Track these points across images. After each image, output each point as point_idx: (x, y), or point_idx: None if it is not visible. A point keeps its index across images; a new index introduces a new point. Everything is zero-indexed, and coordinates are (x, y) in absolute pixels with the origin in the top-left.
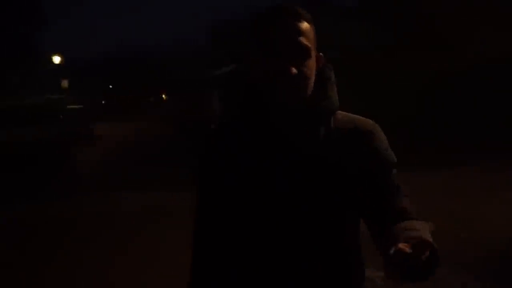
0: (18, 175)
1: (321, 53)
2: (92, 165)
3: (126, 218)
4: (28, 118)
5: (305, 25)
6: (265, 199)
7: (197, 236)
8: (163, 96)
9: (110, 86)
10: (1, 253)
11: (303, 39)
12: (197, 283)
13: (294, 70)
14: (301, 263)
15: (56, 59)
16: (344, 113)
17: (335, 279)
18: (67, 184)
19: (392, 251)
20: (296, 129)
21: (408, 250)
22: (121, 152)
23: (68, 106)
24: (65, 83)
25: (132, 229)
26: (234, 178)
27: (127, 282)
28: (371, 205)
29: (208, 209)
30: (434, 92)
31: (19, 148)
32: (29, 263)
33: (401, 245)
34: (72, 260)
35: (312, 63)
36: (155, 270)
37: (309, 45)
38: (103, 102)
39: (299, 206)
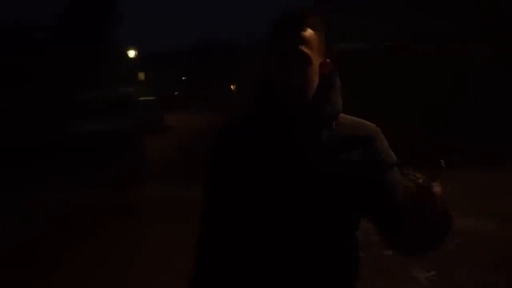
0: (84, 164)
1: (327, 59)
2: (156, 156)
3: (172, 212)
4: (103, 109)
5: (308, 32)
6: (266, 199)
7: (201, 232)
8: (232, 87)
9: (183, 78)
10: (37, 238)
11: (303, 48)
12: (199, 277)
13: (293, 75)
14: (300, 260)
15: (131, 53)
16: (348, 116)
17: (333, 278)
18: (126, 174)
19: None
20: (298, 132)
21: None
22: (188, 144)
23: (141, 98)
24: (141, 75)
25: (174, 225)
26: (237, 178)
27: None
28: (376, 207)
29: (213, 206)
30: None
31: (92, 138)
32: (53, 254)
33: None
34: (100, 254)
35: (313, 70)
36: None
37: (309, 53)
38: (175, 93)
39: (299, 207)
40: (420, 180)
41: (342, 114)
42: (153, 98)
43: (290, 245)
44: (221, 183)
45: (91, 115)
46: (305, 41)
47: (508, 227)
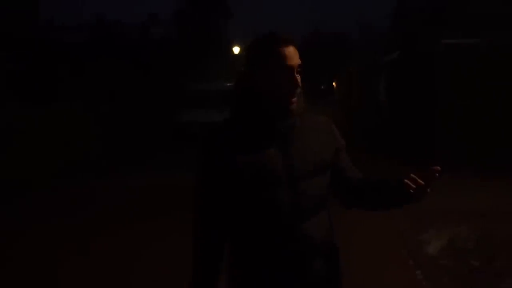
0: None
1: None
2: None
3: None
4: (208, 101)
5: (294, 48)
6: (262, 183)
7: (198, 226)
8: (334, 84)
9: None
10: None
11: (299, 59)
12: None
13: (299, 80)
14: (297, 226)
15: (236, 49)
16: (310, 112)
17: (327, 242)
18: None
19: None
20: (284, 127)
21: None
22: None
23: None
24: None
25: None
26: (240, 168)
27: None
28: (335, 173)
29: (209, 196)
30: None
31: (195, 128)
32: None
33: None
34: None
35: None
36: None
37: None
38: None
39: (291, 187)
40: (421, 182)
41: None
42: None
43: (288, 216)
44: (215, 179)
45: (197, 106)
46: (297, 53)
47: None
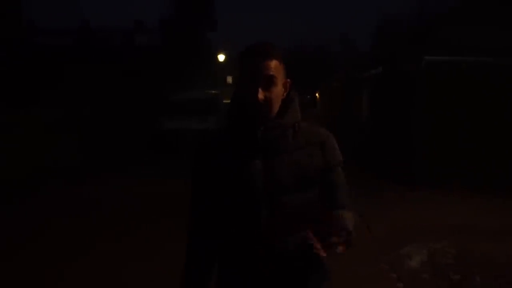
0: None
1: (288, 79)
2: None
3: None
4: (192, 109)
5: (273, 62)
6: (246, 194)
7: (190, 229)
8: (317, 95)
9: None
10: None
11: (270, 71)
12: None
13: (261, 94)
14: (275, 241)
15: (221, 57)
16: (308, 123)
17: (306, 256)
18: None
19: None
20: (265, 136)
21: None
22: None
23: (224, 101)
24: (229, 79)
25: None
26: (223, 176)
27: None
28: (321, 195)
29: (200, 203)
30: None
31: (180, 135)
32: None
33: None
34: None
35: (278, 89)
36: None
37: (275, 75)
38: None
39: (268, 202)
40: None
41: (301, 121)
42: None
43: (267, 225)
44: (204, 185)
45: (182, 114)
46: (271, 67)
47: None
